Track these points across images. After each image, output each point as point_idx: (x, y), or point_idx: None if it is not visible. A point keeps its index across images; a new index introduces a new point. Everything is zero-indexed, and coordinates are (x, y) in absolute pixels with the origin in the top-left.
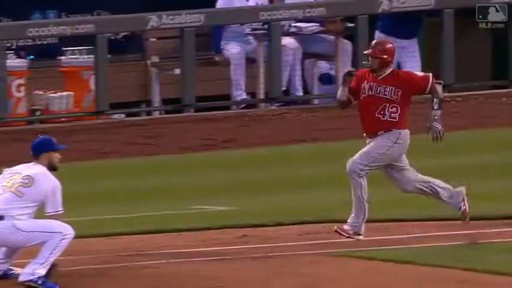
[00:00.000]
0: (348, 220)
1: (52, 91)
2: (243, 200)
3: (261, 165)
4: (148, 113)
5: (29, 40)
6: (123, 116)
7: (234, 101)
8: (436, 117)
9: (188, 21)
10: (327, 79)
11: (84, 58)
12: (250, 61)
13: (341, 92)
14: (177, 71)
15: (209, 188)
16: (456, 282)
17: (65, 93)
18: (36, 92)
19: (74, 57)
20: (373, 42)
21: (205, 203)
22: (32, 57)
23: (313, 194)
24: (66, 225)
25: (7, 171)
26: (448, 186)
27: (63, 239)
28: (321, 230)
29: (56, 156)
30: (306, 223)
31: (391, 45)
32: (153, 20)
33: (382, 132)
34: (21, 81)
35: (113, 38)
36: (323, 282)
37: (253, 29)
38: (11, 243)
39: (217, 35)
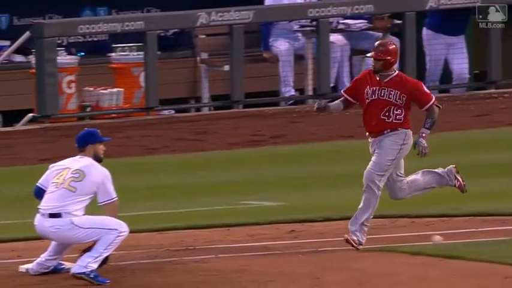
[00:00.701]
0: (353, 229)
1: (102, 87)
2: (291, 195)
3: (309, 161)
4: (198, 109)
5: (80, 37)
6: (172, 112)
7: (282, 97)
8: (424, 134)
9: (237, 18)
10: None
11: (134, 55)
12: (299, 58)
13: (334, 106)
14: (226, 68)
15: (257, 183)
16: (503, 278)
17: (115, 89)
18: (87, 88)
19: (124, 54)
20: (376, 43)
21: (253, 198)
22: (82, 53)
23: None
24: (122, 222)
25: (54, 167)
26: (435, 171)
27: (119, 236)
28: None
29: (101, 148)
30: None
31: (394, 46)
32: (203, 17)
33: (388, 130)
34: (72, 77)
35: (162, 34)
36: (372, 276)
37: (302, 26)
38: (69, 240)
39: (265, 31)
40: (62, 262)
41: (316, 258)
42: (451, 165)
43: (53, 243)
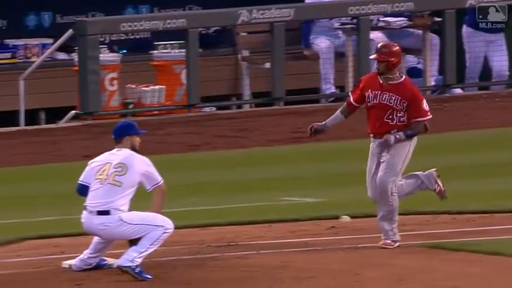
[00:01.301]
0: (383, 236)
1: (144, 85)
2: (332, 191)
3: (350, 157)
4: (239, 106)
5: (122, 34)
6: (213, 109)
7: (323, 95)
8: (397, 136)
9: (278, 16)
10: (414, 73)
11: (175, 52)
12: (339, 55)
13: (332, 122)
14: (267, 65)
15: (298, 180)
16: None
17: (157, 86)
18: (129, 85)
19: (166, 52)
20: (379, 45)
21: (294, 194)
22: (124, 51)
23: None
24: (168, 219)
25: (94, 163)
26: (418, 176)
27: (165, 232)
28: (408, 222)
29: (138, 140)
30: None
31: (397, 47)
32: (244, 14)
33: (395, 130)
34: (114, 75)
35: (204, 32)
36: (412, 272)
37: (342, 24)
38: (117, 236)
39: (306, 29)
40: (105, 258)
41: (356, 255)
42: (432, 169)
43: (94, 241)
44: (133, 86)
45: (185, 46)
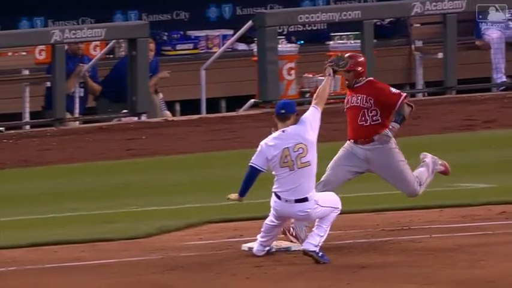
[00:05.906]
0: None
1: (321, 74)
2: (504, 177)
3: None
4: (412, 95)
5: (300, 26)
6: None
7: (494, 84)
8: (391, 127)
9: (450, 7)
10: None
11: (351, 43)
12: (510, 45)
13: None
14: (440, 55)
15: (471, 166)
16: None
17: None
18: (306, 75)
19: (342, 42)
20: (345, 55)
21: (466, 180)
22: (302, 42)
23: None
24: (339, 200)
25: (269, 150)
26: (423, 165)
27: (337, 214)
28: None
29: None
30: None
31: (363, 58)
32: (417, 6)
33: (382, 132)
34: (292, 65)
35: (379, 23)
36: None
37: None
38: (312, 218)
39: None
40: (281, 242)
41: None
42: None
43: (266, 227)
44: (310, 75)
45: (360, 37)
